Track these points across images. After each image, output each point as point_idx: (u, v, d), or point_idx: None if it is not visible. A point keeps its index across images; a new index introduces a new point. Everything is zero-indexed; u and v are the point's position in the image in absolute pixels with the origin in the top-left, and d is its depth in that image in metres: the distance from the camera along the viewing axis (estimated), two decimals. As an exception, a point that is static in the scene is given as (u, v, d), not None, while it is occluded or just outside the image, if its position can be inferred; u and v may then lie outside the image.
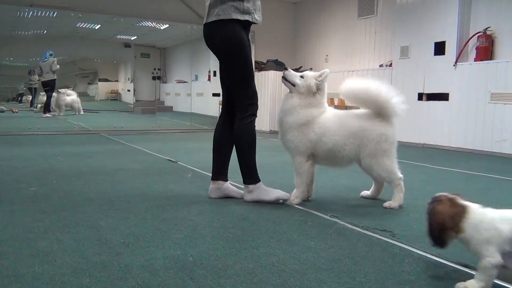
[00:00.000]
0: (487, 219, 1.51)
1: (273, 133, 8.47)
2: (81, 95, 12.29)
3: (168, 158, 4.73)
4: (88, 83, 14.62)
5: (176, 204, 2.73)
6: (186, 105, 13.21)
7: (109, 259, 1.78)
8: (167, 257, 1.82)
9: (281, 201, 2.81)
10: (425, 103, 6.58)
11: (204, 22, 2.80)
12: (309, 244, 2.02)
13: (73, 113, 11.83)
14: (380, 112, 2.74)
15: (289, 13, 10.38)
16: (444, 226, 1.52)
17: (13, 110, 11.86)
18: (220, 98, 2.96)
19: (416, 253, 1.94)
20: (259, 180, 2.84)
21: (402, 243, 2.07)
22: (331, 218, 2.48)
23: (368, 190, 3.04)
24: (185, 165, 4.28)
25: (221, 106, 3.05)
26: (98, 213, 2.48)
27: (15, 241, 1.98)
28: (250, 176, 2.83)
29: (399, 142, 2.84)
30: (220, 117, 3.00)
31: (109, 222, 2.31)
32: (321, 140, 2.73)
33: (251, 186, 2.81)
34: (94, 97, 14.46)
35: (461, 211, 1.52)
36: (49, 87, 10.54)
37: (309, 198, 2.91)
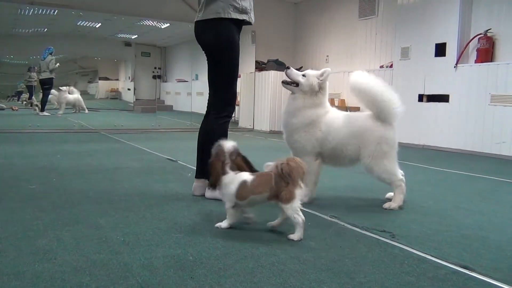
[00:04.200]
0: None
1: (273, 133, 8.47)
2: (81, 93, 12.30)
3: (168, 157, 4.72)
4: (88, 82, 14.61)
5: (176, 203, 2.73)
6: (186, 104, 13.20)
7: (109, 258, 1.78)
8: (167, 256, 1.82)
9: None
10: (426, 105, 6.58)
11: (197, 19, 2.80)
12: (309, 244, 2.03)
13: (73, 111, 11.83)
14: (378, 114, 2.75)
15: (290, 14, 10.38)
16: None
17: (13, 108, 11.86)
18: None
19: (416, 254, 1.94)
20: None
21: (401, 244, 2.07)
22: (331, 219, 2.48)
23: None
24: (185, 164, 4.27)
25: (207, 105, 3.01)
26: (98, 212, 2.48)
27: (14, 239, 1.98)
28: None
29: (399, 143, 2.84)
30: (205, 116, 3.00)
31: (108, 220, 2.31)
32: (327, 138, 2.76)
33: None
34: (94, 95, 14.45)
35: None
36: (46, 85, 10.55)
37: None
